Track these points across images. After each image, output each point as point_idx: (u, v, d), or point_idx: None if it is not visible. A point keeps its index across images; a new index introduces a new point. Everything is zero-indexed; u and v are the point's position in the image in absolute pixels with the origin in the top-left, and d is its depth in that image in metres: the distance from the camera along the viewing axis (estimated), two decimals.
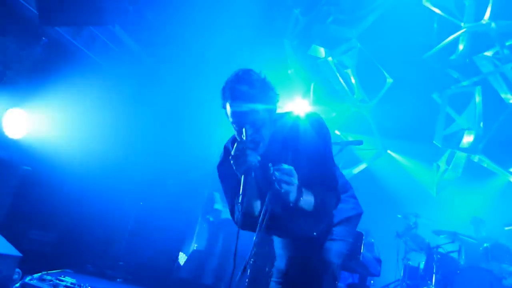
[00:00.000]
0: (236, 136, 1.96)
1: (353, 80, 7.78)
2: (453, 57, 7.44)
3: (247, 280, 3.31)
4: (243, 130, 1.87)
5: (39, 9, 3.87)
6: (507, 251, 5.67)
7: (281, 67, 7.29)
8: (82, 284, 3.33)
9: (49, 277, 3.31)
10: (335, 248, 2.09)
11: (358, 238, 2.93)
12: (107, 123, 5.17)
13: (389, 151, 8.18)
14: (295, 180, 1.80)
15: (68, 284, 3.26)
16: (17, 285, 3.14)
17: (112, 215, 5.29)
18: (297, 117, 2.09)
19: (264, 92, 1.93)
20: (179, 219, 5.47)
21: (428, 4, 7.03)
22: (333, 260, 2.07)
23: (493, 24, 6.65)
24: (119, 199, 5.46)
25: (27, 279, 3.22)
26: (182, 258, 5.62)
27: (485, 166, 7.23)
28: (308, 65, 7.80)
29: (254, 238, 3.15)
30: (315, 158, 2.00)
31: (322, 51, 7.62)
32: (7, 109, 4.15)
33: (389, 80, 7.68)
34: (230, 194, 2.08)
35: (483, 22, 6.76)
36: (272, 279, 2.24)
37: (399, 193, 7.79)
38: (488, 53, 6.89)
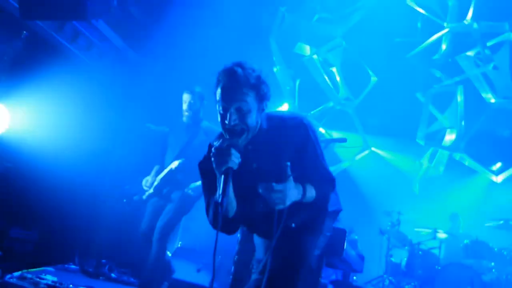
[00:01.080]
0: (220, 123, 1.92)
1: (338, 78, 7.83)
2: (436, 56, 7.55)
3: (231, 276, 3.30)
4: (228, 114, 1.85)
5: (20, 2, 3.79)
6: (487, 248, 5.80)
7: (267, 65, 7.29)
8: (63, 282, 3.29)
9: (29, 276, 3.26)
10: (312, 240, 2.11)
11: (341, 235, 2.95)
12: (91, 119, 5.10)
13: (373, 149, 8.26)
14: (287, 193, 1.81)
15: (49, 283, 3.21)
16: None
17: (95, 213, 5.23)
18: (287, 118, 2.09)
19: (258, 83, 1.91)
20: None
21: (412, 4, 7.12)
22: (310, 251, 2.08)
23: (475, 25, 6.77)
24: (102, 196, 5.39)
25: (7, 277, 3.16)
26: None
27: (467, 164, 7.37)
28: (294, 63, 7.83)
29: (238, 235, 3.09)
30: (313, 160, 2.05)
31: (307, 49, 7.66)
32: None
33: (374, 79, 7.75)
34: (208, 193, 2.04)
35: (466, 22, 6.87)
36: (252, 270, 2.24)
37: (383, 191, 7.89)
38: (470, 53, 7.01)
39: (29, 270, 3.65)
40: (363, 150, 8.09)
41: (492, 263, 5.68)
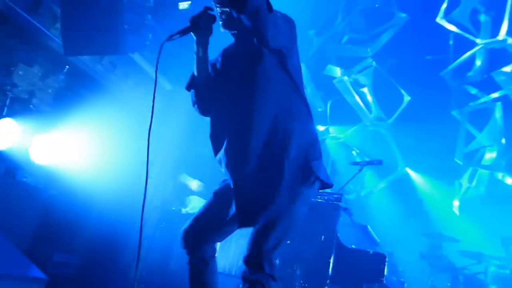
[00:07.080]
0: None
1: (369, 99, 7.78)
2: (470, 73, 7.40)
3: None
4: None
5: (64, 40, 4.02)
6: None
7: None
8: None
9: None
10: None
11: (381, 260, 2.89)
12: (129, 148, 5.26)
13: (408, 170, 8.08)
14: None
15: None
16: None
17: (134, 237, 5.34)
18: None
19: None
20: None
21: (442, 22, 7.05)
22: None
23: (509, 40, 6.61)
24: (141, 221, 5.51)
25: None
26: None
27: (509, 183, 7.08)
28: (324, 84, 7.85)
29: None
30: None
31: (337, 71, 7.68)
32: (33, 136, 4.29)
33: (407, 98, 7.66)
34: None
35: (500, 38, 6.73)
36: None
37: (421, 212, 7.66)
38: (507, 69, 6.83)
39: None
40: (399, 172, 7.93)
41: None
